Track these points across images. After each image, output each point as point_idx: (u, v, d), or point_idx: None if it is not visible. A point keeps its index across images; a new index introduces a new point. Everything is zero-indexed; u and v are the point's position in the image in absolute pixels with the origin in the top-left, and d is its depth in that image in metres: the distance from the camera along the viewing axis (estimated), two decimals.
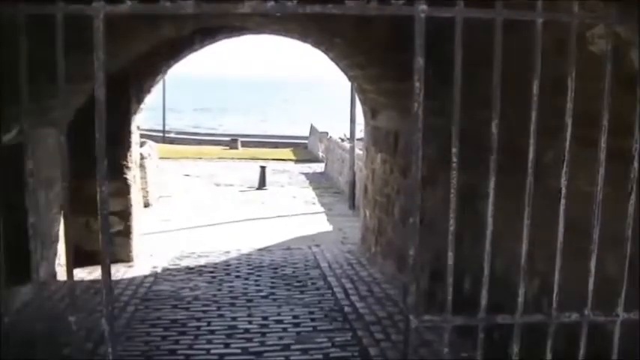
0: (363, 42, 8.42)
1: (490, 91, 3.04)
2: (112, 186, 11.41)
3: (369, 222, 12.08)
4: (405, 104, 9.51)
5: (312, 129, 39.72)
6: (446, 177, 7.73)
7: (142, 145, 21.10)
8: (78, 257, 10.24)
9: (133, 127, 11.56)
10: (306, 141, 41.56)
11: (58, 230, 10.48)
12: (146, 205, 17.79)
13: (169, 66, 11.82)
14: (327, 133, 33.06)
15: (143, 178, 17.77)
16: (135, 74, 11.24)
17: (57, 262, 10.39)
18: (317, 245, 13.18)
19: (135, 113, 11.56)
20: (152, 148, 20.86)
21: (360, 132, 22.35)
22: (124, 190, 11.42)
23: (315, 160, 32.77)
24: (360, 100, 12.28)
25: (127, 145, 11.38)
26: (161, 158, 26.69)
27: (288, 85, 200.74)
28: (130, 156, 11.46)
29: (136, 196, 11.83)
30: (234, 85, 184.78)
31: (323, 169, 28.38)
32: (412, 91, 3.01)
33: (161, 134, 44.97)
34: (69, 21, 2.75)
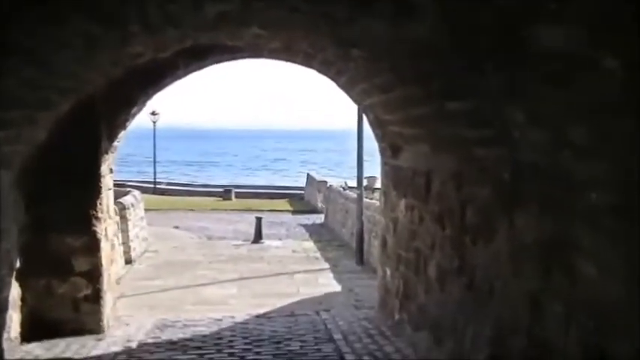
0: (396, 48, 6.42)
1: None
2: (77, 241, 9.39)
3: (390, 282, 10.00)
4: (441, 134, 7.52)
5: (310, 178, 38.21)
6: (507, 226, 5.64)
7: (126, 194, 19.23)
8: (36, 328, 8.16)
9: (104, 169, 9.52)
10: (302, 191, 39.81)
11: (7, 296, 8.38)
12: (128, 261, 15.79)
13: (148, 95, 9.82)
14: (325, 182, 31.60)
15: (125, 231, 15.79)
16: (106, 105, 9.27)
17: (5, 336, 8.25)
18: (326, 310, 11.04)
19: (106, 152, 9.53)
20: (137, 198, 18.85)
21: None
22: (92, 245, 9.33)
23: (314, 210, 31.35)
24: (376, 136, 10.28)
25: (96, 191, 9.33)
26: (149, 210, 24.87)
27: (270, 135, 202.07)
28: (101, 204, 9.41)
29: (108, 253, 9.74)
30: (217, 137, 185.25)
31: (323, 220, 26.54)
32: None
33: (152, 185, 43.44)
34: None
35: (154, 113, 45.11)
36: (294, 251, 18.82)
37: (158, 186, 44.39)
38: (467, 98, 6.05)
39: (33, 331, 8.92)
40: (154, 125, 45.05)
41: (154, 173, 45.32)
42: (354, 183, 27.46)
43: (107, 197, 9.79)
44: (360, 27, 6.20)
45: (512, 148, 5.53)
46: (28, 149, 8.40)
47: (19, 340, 8.72)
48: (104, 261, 9.50)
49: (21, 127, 7.97)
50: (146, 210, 22.20)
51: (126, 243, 15.80)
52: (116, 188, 25.45)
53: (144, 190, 39.14)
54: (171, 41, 8.20)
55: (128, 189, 22.40)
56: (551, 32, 3.87)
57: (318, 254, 18.32)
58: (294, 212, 31.76)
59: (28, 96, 7.48)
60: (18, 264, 8.69)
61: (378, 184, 30.58)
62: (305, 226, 25.67)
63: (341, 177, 40.60)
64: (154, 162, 45.88)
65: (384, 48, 6.64)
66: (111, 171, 10.04)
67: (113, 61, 8.26)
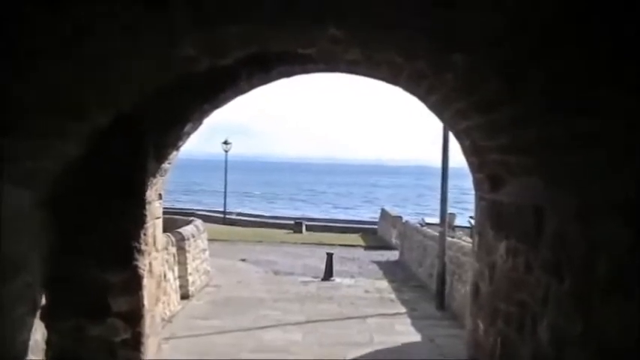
0: (510, 49, 4.90)
1: None
2: (115, 277, 8.03)
3: (482, 338, 8.35)
4: (563, 161, 5.94)
5: (384, 213, 36.73)
6: None
7: (188, 223, 18.06)
8: None
9: (151, 195, 8.20)
10: (375, 226, 38.30)
11: (26, 339, 7.06)
12: (185, 296, 14.48)
13: (204, 111, 8.44)
14: (401, 218, 30.05)
15: (182, 264, 14.51)
16: (154, 121, 7.94)
17: None
18: None
19: (153, 175, 8.20)
20: (199, 228, 17.54)
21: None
22: (133, 282, 7.98)
23: (387, 246, 29.92)
24: (470, 166, 8.69)
25: (139, 220, 8.00)
26: (216, 240, 23.85)
27: (333, 169, 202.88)
28: (145, 235, 8.07)
29: (152, 291, 8.40)
30: (285, 169, 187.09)
31: (398, 258, 24.88)
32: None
33: (221, 215, 42.70)
34: None
35: (226, 142, 44.48)
36: (366, 291, 17.25)
37: (228, 216, 43.55)
38: (604, 114, 4.47)
39: None
40: (226, 155, 44.40)
41: (224, 203, 44.59)
42: (430, 220, 25.88)
43: (154, 227, 8.46)
44: (466, 23, 4.70)
45: None
46: (57, 166, 7.10)
47: None
48: (147, 300, 8.14)
49: (48, 139, 6.68)
50: (213, 240, 21.07)
51: (183, 277, 14.50)
52: (181, 217, 24.62)
53: (213, 220, 38.46)
54: (230, 43, 6.83)
55: (192, 218, 21.24)
56: None
57: (393, 295, 16.70)
58: (367, 248, 30.30)
59: (57, 102, 6.18)
60: (43, 301, 7.39)
61: (457, 222, 29.06)
62: (378, 263, 24.12)
63: (407, 213, 39.15)
64: (225, 192, 45.19)
65: (497, 48, 5.11)
66: (160, 197, 8.72)
67: (160, 66, 6.93)
